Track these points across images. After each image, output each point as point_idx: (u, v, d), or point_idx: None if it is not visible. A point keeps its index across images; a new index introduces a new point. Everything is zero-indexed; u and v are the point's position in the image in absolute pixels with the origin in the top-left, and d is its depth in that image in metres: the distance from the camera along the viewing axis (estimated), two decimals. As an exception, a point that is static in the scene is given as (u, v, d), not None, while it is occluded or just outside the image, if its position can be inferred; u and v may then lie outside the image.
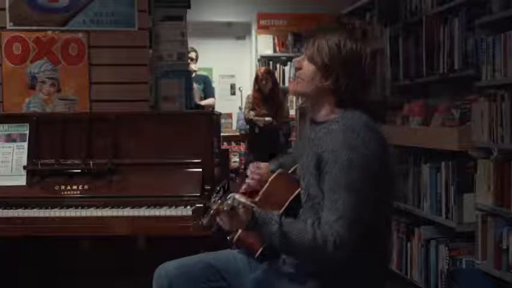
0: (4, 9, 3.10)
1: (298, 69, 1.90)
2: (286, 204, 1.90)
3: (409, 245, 3.60)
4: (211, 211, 1.75)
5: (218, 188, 1.87)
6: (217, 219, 1.76)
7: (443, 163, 3.23)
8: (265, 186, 1.98)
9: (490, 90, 2.90)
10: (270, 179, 2.00)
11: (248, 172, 2.13)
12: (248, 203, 1.76)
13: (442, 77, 3.38)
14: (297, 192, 1.91)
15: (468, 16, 3.14)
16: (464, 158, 3.08)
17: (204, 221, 1.78)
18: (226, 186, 1.91)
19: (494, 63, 2.87)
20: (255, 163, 2.14)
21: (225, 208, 1.73)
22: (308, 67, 1.87)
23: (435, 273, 3.29)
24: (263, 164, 2.13)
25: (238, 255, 1.99)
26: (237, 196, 1.76)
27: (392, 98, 4.02)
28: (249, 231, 1.83)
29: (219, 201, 1.77)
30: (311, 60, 1.86)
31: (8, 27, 3.11)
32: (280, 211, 1.85)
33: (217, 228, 1.80)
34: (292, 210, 1.88)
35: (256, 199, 1.93)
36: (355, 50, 1.84)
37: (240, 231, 1.92)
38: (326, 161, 1.74)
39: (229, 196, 1.76)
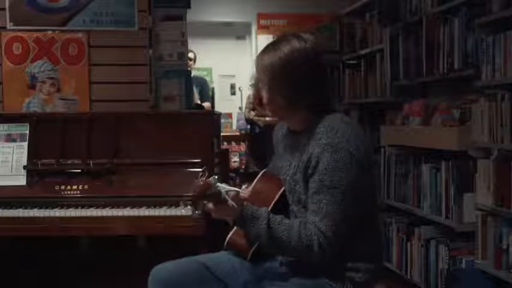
0: (4, 9, 3.10)
1: (265, 104, 1.90)
2: (275, 199, 1.91)
3: (409, 244, 3.61)
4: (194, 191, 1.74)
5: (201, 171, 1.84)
6: (205, 203, 1.77)
7: (443, 163, 3.23)
8: (252, 186, 1.99)
9: (490, 90, 2.90)
10: (255, 179, 2.01)
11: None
12: (234, 189, 1.78)
13: (442, 77, 3.39)
14: (283, 188, 1.93)
15: (468, 16, 3.14)
16: (464, 158, 3.08)
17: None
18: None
19: (494, 63, 2.87)
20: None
21: (208, 193, 1.72)
22: (275, 99, 1.86)
23: (435, 273, 3.29)
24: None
25: (233, 256, 1.99)
26: (223, 184, 1.77)
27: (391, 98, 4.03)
28: (238, 228, 1.86)
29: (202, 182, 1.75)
30: (272, 91, 1.85)
31: (8, 27, 3.11)
32: (270, 207, 1.87)
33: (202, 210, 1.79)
34: (281, 206, 1.90)
35: (247, 195, 1.94)
36: (302, 50, 1.81)
37: (231, 232, 1.94)
38: (312, 165, 1.76)
39: (214, 181, 1.75)
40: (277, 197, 1.92)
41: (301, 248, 1.73)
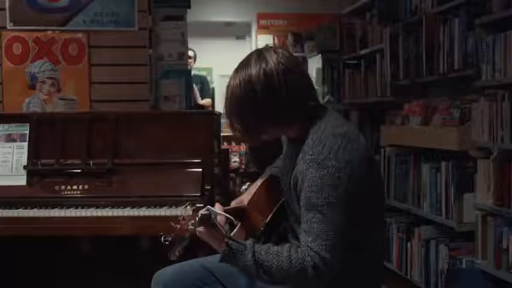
0: (4, 9, 3.10)
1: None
2: (275, 208, 1.89)
3: (409, 244, 3.60)
4: (178, 225, 1.75)
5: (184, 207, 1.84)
6: (196, 231, 1.74)
7: (443, 163, 3.23)
8: (255, 190, 1.97)
9: (490, 90, 2.90)
10: (259, 183, 1.99)
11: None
12: (224, 214, 1.76)
13: (442, 77, 3.38)
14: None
15: (468, 16, 3.14)
16: (464, 158, 3.08)
17: (168, 238, 1.75)
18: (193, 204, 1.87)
19: (494, 63, 2.87)
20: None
21: (198, 218, 1.71)
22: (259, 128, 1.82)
23: (435, 273, 3.29)
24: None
25: None
26: (215, 207, 1.76)
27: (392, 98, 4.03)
28: (238, 232, 1.83)
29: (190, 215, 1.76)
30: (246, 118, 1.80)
31: (8, 27, 3.11)
32: (269, 217, 1.85)
33: (180, 252, 1.77)
34: (280, 216, 1.88)
35: (246, 202, 1.93)
36: (268, 71, 1.72)
37: (232, 233, 1.92)
38: (299, 183, 1.70)
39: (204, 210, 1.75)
40: (277, 206, 1.90)
41: (294, 273, 1.64)
